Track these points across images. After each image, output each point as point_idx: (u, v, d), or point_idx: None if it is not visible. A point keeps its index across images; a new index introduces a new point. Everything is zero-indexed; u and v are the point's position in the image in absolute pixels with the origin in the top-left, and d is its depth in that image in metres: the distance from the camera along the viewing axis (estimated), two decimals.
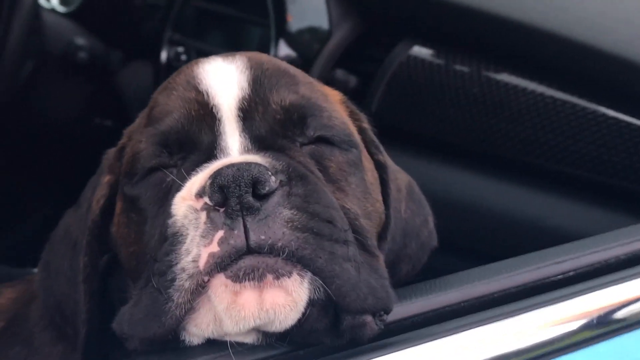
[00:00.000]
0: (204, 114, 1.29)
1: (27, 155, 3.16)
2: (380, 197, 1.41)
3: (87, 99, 3.19)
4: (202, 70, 1.35)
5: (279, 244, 1.14)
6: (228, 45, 2.79)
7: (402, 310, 1.28)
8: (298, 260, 1.14)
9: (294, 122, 1.31)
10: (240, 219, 1.14)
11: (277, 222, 1.15)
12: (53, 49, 2.96)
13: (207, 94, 1.31)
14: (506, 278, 1.35)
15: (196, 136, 1.28)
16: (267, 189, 1.15)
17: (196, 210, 1.16)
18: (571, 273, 1.39)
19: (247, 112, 1.29)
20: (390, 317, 1.26)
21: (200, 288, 1.15)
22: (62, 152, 3.15)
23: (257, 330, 1.18)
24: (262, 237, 1.14)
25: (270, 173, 1.16)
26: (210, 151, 1.26)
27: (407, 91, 2.36)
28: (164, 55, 2.84)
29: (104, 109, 3.20)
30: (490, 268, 1.38)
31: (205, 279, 1.14)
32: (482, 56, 2.21)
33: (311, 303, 1.16)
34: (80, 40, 2.99)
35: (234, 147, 1.26)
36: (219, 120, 1.28)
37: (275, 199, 1.16)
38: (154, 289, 1.17)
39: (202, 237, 1.15)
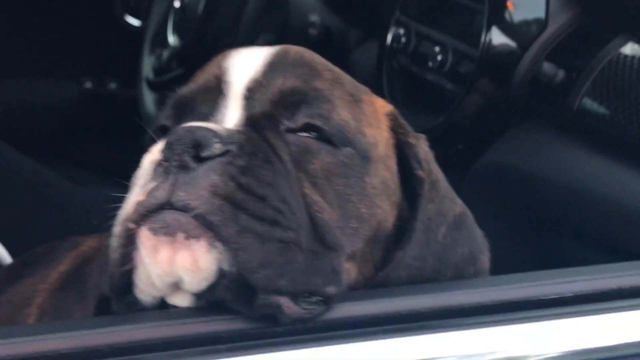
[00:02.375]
0: (214, 87, 1.38)
1: None
2: (387, 204, 1.40)
3: None
4: (237, 53, 1.44)
5: (192, 204, 1.17)
6: (448, 30, 2.73)
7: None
8: (207, 226, 1.17)
9: (285, 106, 1.34)
10: (173, 175, 1.20)
11: (201, 184, 1.19)
12: (294, 23, 3.09)
13: (226, 72, 1.39)
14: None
15: (199, 105, 1.37)
16: (206, 152, 1.20)
17: (151, 164, 1.24)
18: None
19: (252, 93, 1.36)
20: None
21: (131, 238, 1.22)
22: None
23: (191, 293, 1.23)
24: (181, 194, 1.18)
25: (216, 139, 1.21)
26: (204, 119, 1.32)
27: (612, 91, 2.22)
28: (389, 37, 2.85)
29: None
30: None
31: (131, 226, 1.21)
32: None
33: (222, 273, 1.18)
34: (316, 17, 3.08)
35: (227, 120, 1.33)
36: (225, 95, 1.36)
37: (211, 163, 1.21)
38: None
39: (141, 187, 1.23)
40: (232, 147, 1.23)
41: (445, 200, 1.46)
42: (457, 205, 1.49)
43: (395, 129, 1.48)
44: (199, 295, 1.22)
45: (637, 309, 1.34)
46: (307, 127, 1.34)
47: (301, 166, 1.31)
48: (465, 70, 2.60)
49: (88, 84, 3.84)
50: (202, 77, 1.43)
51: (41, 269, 1.87)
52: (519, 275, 1.37)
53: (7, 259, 2.21)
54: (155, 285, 1.23)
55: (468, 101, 2.57)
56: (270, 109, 1.34)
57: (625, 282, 1.35)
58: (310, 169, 1.31)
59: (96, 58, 3.81)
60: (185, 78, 3.33)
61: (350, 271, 1.33)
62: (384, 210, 1.39)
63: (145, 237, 1.20)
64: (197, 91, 1.40)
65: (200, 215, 1.18)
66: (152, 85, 3.53)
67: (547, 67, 2.42)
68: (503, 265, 2.35)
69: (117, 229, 1.25)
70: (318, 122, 1.34)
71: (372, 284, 1.37)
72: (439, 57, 2.67)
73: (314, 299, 1.24)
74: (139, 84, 3.56)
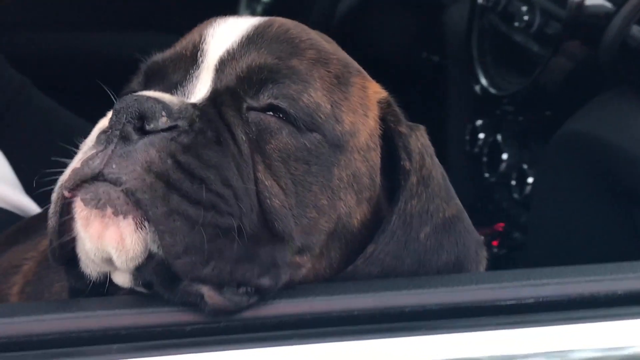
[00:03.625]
0: (189, 56, 1.31)
1: None
2: (352, 199, 1.30)
3: (415, 32, 3.20)
4: (219, 22, 1.36)
5: (122, 178, 1.11)
6: None
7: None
8: (136, 203, 1.11)
9: (251, 83, 1.27)
10: (112, 145, 1.13)
11: (136, 158, 1.12)
12: None
13: (204, 40, 1.32)
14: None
15: (171, 72, 1.31)
16: (151, 125, 1.14)
17: (98, 130, 1.18)
18: None
19: (223, 66, 1.28)
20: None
21: (66, 207, 1.16)
22: (398, 83, 3.22)
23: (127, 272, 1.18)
24: (114, 166, 1.12)
25: (163, 113, 1.15)
26: (172, 89, 1.27)
27: None
28: None
29: (431, 44, 3.19)
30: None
31: (66, 193, 1.15)
32: None
33: (150, 255, 1.13)
34: None
35: (196, 91, 1.26)
36: (197, 65, 1.29)
37: (153, 138, 1.14)
38: None
39: (82, 153, 1.17)
40: (181, 123, 1.17)
41: (435, 199, 1.35)
42: (451, 207, 1.38)
43: (386, 118, 1.38)
44: (134, 276, 1.17)
45: None
46: (270, 108, 1.26)
47: (258, 147, 1.24)
48: (553, 32, 2.49)
49: None
50: (181, 44, 1.36)
51: (35, 235, 1.81)
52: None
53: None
54: (92, 260, 1.18)
55: (555, 64, 2.46)
56: (235, 85, 1.27)
57: None
58: (266, 149, 1.24)
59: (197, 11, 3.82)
60: None
61: (299, 266, 1.24)
62: (348, 205, 1.30)
63: (79, 208, 1.14)
64: (171, 58, 1.34)
65: (130, 191, 1.11)
66: None
67: (637, 31, 2.28)
68: (586, 235, 2.27)
69: (54, 195, 1.18)
70: (282, 104, 1.25)
71: (338, 279, 1.28)
72: (527, 17, 2.56)
73: (242, 289, 1.16)
74: None
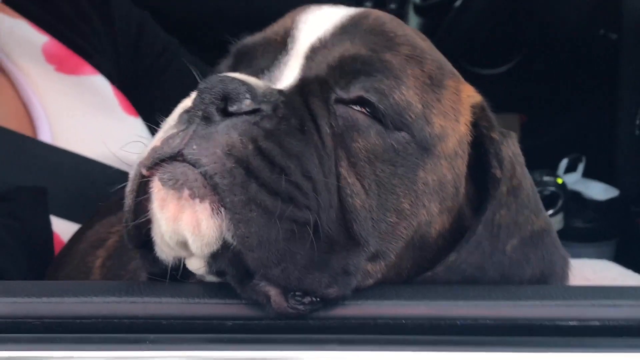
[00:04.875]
0: (280, 41, 1.27)
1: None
2: (435, 207, 1.23)
3: (592, 8, 3.02)
4: (313, 9, 1.31)
5: (202, 160, 1.07)
6: None
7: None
8: (213, 188, 1.06)
9: (342, 73, 1.20)
10: (194, 125, 1.09)
11: (217, 141, 1.08)
12: None
13: (296, 27, 1.27)
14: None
15: (259, 57, 1.28)
16: (234, 107, 1.09)
17: (181, 110, 1.15)
18: None
19: (314, 54, 1.23)
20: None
21: (143, 186, 1.13)
22: (570, 61, 3.10)
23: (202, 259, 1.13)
24: (194, 147, 1.08)
25: (247, 95, 1.10)
26: (259, 73, 1.23)
27: None
28: None
29: (609, 20, 3.00)
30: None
31: (143, 171, 1.11)
32: None
33: (224, 243, 1.07)
34: None
35: (283, 78, 1.21)
36: (288, 51, 1.25)
37: (235, 120, 1.09)
38: None
39: (163, 132, 1.13)
40: (264, 107, 1.12)
41: (524, 210, 1.27)
42: (539, 220, 1.29)
43: (478, 123, 1.29)
44: (209, 263, 1.12)
45: None
46: (360, 101, 1.19)
47: (343, 142, 1.17)
48: None
49: (368, 4, 3.81)
50: (272, 29, 1.32)
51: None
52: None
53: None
54: (167, 243, 1.14)
55: None
56: (325, 74, 1.21)
57: None
58: (352, 147, 1.17)
59: None
60: (447, 5, 3.30)
61: (369, 274, 1.17)
62: (430, 212, 1.22)
63: (156, 188, 1.10)
64: (261, 43, 1.30)
65: (208, 174, 1.06)
66: (417, 9, 3.47)
67: None
68: None
69: (132, 172, 1.15)
70: (373, 98, 1.19)
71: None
72: None
73: (307, 299, 1.11)
74: (407, 6, 3.51)
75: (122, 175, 2.09)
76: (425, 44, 1.31)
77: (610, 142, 3.12)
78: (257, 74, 1.23)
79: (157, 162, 1.10)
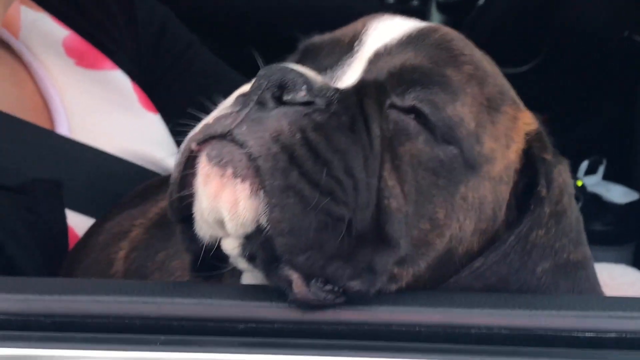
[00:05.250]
0: (347, 43, 1.29)
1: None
2: (470, 226, 1.22)
3: (617, 9, 3.00)
4: (385, 18, 1.34)
5: (248, 142, 1.09)
6: None
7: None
8: (256, 170, 1.08)
9: (400, 81, 1.22)
10: (247, 109, 1.12)
11: (267, 126, 1.10)
12: None
13: (365, 32, 1.30)
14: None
15: (324, 56, 1.30)
16: (289, 97, 1.12)
17: (238, 93, 1.17)
18: None
19: (377, 59, 1.25)
20: None
21: (191, 160, 1.15)
22: (592, 62, 3.08)
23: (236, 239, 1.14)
24: (244, 128, 1.10)
25: (304, 87, 1.12)
26: (322, 71, 1.24)
27: None
28: None
29: (634, 22, 2.97)
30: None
31: (193, 145, 1.13)
32: None
33: (259, 226, 1.09)
34: None
35: (344, 78, 1.23)
36: (353, 53, 1.27)
37: (288, 109, 1.12)
38: None
39: (218, 111, 1.16)
40: (319, 100, 1.14)
41: (563, 238, 1.26)
42: (578, 252, 1.28)
43: (532, 146, 1.29)
44: (243, 245, 1.13)
45: None
46: (413, 110, 1.20)
47: (391, 146, 1.18)
48: None
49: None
50: (341, 30, 1.35)
51: (148, 201, 1.83)
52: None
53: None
54: (206, 220, 1.16)
55: None
56: (383, 80, 1.22)
57: None
58: (399, 151, 1.18)
59: None
60: (470, 3, 3.28)
61: (395, 278, 1.17)
62: (463, 229, 1.22)
63: (202, 163, 1.13)
64: (328, 42, 1.33)
65: (253, 155, 1.08)
66: (440, 6, 3.45)
67: None
68: None
69: (182, 145, 1.18)
70: (425, 109, 1.20)
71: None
72: None
73: (328, 287, 1.11)
74: (429, 3, 3.50)
75: (139, 170, 2.11)
76: (491, 68, 1.31)
77: (631, 145, 3.10)
78: (319, 71, 1.24)
79: (207, 138, 1.13)
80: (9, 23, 2.08)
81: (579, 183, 2.81)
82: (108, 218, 1.87)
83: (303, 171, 1.08)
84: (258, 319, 1.09)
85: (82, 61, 2.14)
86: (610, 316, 1.06)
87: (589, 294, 1.25)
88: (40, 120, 2.04)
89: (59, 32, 2.13)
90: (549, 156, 1.28)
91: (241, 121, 1.10)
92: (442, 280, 1.22)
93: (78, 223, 1.94)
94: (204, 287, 1.14)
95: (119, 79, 2.17)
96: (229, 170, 1.09)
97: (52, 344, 1.06)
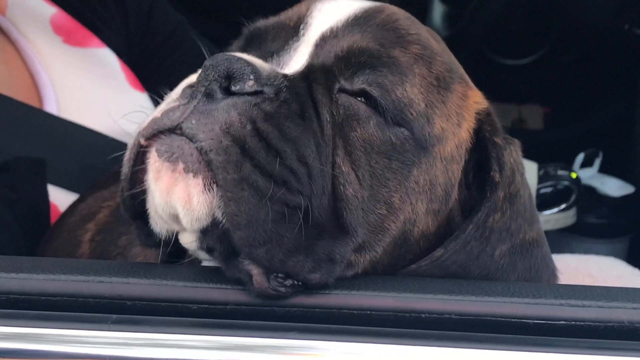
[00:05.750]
0: (292, 27, 1.28)
1: None
2: (422, 207, 1.22)
3: (618, 3, 2.98)
4: None
5: (199, 136, 1.07)
6: None
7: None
8: (208, 164, 1.07)
9: (348, 64, 1.21)
10: (195, 101, 1.09)
11: (216, 118, 1.08)
12: None
13: (310, 14, 1.28)
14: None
15: (270, 41, 1.28)
16: (237, 87, 1.10)
17: (185, 84, 1.15)
18: None
19: (324, 42, 1.24)
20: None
21: (141, 156, 1.13)
22: (594, 55, 3.08)
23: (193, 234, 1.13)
24: (193, 122, 1.08)
25: (251, 76, 1.11)
26: (268, 57, 1.23)
27: None
28: None
29: (635, 16, 2.95)
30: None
31: (142, 140, 1.12)
32: None
33: (214, 220, 1.08)
34: None
35: (291, 64, 1.22)
36: (298, 37, 1.26)
37: (236, 99, 1.10)
38: None
39: (165, 104, 1.14)
40: (267, 89, 1.12)
41: (518, 218, 1.26)
42: (532, 231, 1.28)
43: (482, 128, 1.29)
44: (199, 239, 1.12)
45: None
46: (362, 93, 1.20)
47: (342, 131, 1.18)
48: None
49: None
50: (286, 14, 1.33)
51: (117, 183, 1.80)
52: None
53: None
54: (161, 216, 1.14)
55: None
56: (331, 63, 1.21)
57: None
58: (350, 136, 1.18)
59: None
60: None
61: (352, 265, 1.17)
62: (416, 211, 1.22)
63: (152, 159, 1.11)
64: (273, 27, 1.31)
65: (204, 149, 1.07)
66: None
67: None
68: None
69: (131, 141, 1.16)
70: (375, 92, 1.19)
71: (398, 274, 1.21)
72: None
73: (289, 281, 1.11)
74: None
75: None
76: (438, 46, 1.31)
77: (629, 139, 3.08)
78: (266, 57, 1.24)
79: (155, 133, 1.11)
80: None
81: (574, 175, 2.79)
82: (81, 199, 1.87)
83: (256, 163, 1.07)
84: (211, 301, 1.10)
85: (69, 39, 2.14)
86: (561, 304, 1.06)
87: (543, 273, 1.27)
88: (28, 98, 2.05)
89: (46, 9, 2.13)
90: (499, 139, 1.27)
91: (190, 114, 1.09)
92: (400, 265, 1.22)
93: (64, 200, 1.95)
94: (159, 269, 1.14)
95: (107, 57, 2.17)
96: (180, 165, 1.08)
97: (4, 321, 1.07)
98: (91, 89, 2.12)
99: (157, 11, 2.35)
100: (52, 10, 2.13)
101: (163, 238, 1.18)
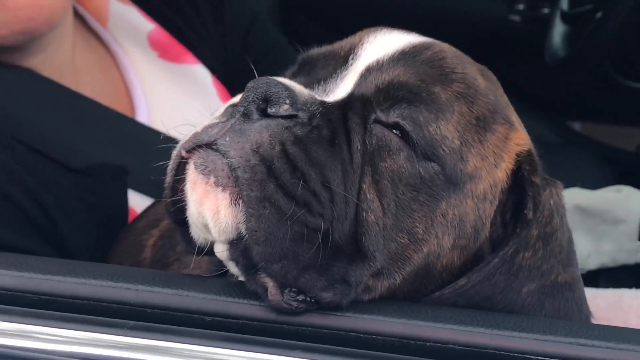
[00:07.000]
0: (342, 56, 1.33)
1: None
2: (448, 241, 1.23)
3: None
4: (383, 32, 1.36)
5: (230, 153, 1.13)
6: None
7: None
8: (235, 180, 1.13)
9: (386, 97, 1.24)
10: (233, 119, 1.16)
11: (248, 137, 1.14)
12: None
13: (361, 46, 1.33)
14: None
15: (320, 68, 1.33)
16: (273, 110, 1.16)
17: (229, 103, 1.22)
18: None
19: (369, 73, 1.28)
20: None
21: (182, 166, 1.21)
22: None
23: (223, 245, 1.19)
24: (227, 139, 1.14)
25: (287, 100, 1.17)
26: (315, 83, 1.28)
27: None
28: None
29: None
30: None
31: (183, 152, 1.19)
32: None
33: (239, 234, 1.14)
34: None
35: (337, 91, 1.27)
36: (347, 66, 1.30)
37: (270, 122, 1.16)
38: None
39: (208, 121, 1.20)
40: (301, 114, 1.18)
41: (551, 259, 1.25)
42: (566, 273, 1.27)
43: (520, 169, 1.29)
44: (229, 250, 1.18)
45: None
46: (396, 126, 1.23)
47: (372, 161, 1.21)
48: None
49: (520, 6, 3.72)
50: (339, 44, 1.38)
51: None
52: None
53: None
54: (195, 224, 1.21)
55: None
56: (370, 94, 1.25)
57: None
58: (380, 165, 1.21)
59: None
60: (592, 15, 3.19)
61: (369, 289, 1.19)
62: (441, 245, 1.23)
63: (190, 170, 1.18)
64: (324, 55, 1.36)
65: (233, 166, 1.13)
66: (564, 16, 3.36)
67: None
68: None
69: (174, 152, 1.23)
70: (408, 126, 1.22)
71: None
72: None
73: (301, 297, 1.15)
74: (554, 12, 3.41)
75: None
76: (487, 85, 1.32)
77: None
78: (313, 83, 1.29)
79: (195, 146, 1.18)
80: (98, 13, 2.20)
81: None
82: (151, 206, 1.95)
83: (280, 183, 1.13)
84: (225, 314, 1.14)
85: (165, 54, 2.23)
86: (570, 342, 1.04)
87: (573, 316, 1.24)
88: (121, 107, 2.14)
89: (145, 25, 2.22)
90: (537, 179, 1.27)
91: (226, 131, 1.15)
92: (422, 293, 1.24)
93: (144, 207, 2.02)
94: (183, 279, 1.19)
95: (200, 73, 2.25)
96: (212, 179, 1.15)
97: (36, 321, 1.13)
98: (181, 102, 2.20)
99: (255, 29, 2.41)
100: (150, 26, 2.23)
101: (201, 246, 1.25)
